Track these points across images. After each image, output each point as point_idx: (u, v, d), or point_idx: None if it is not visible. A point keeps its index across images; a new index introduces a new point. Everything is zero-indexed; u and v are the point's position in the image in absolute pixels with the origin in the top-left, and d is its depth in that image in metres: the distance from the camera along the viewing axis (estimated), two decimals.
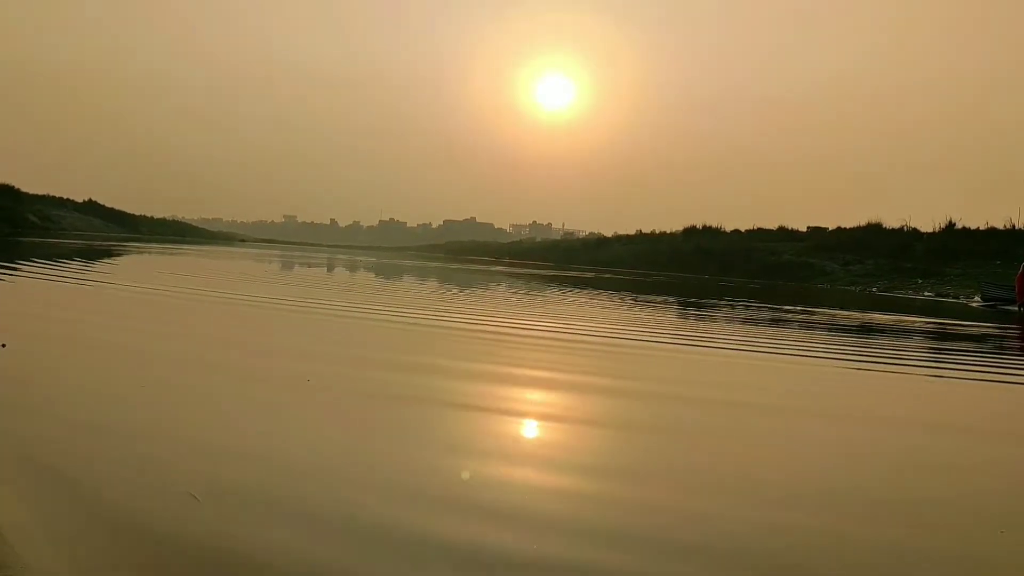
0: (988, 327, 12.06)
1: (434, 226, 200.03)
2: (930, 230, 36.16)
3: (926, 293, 26.26)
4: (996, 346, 9.11)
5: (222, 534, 1.82)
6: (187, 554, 1.71)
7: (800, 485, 2.64)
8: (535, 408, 3.67)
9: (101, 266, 13.28)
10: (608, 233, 62.50)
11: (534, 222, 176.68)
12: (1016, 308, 17.95)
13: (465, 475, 2.34)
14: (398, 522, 1.97)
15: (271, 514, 1.97)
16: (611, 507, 2.24)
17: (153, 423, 2.79)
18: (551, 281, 20.20)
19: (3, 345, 3.94)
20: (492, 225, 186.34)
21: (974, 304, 20.69)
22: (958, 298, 23.67)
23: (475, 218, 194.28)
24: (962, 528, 2.29)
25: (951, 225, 35.52)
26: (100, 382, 3.56)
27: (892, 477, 2.81)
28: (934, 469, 2.98)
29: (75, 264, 12.74)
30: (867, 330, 10.12)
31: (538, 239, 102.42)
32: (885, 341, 8.70)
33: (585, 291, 15.97)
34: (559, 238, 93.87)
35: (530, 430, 3.18)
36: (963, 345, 8.76)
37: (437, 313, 8.19)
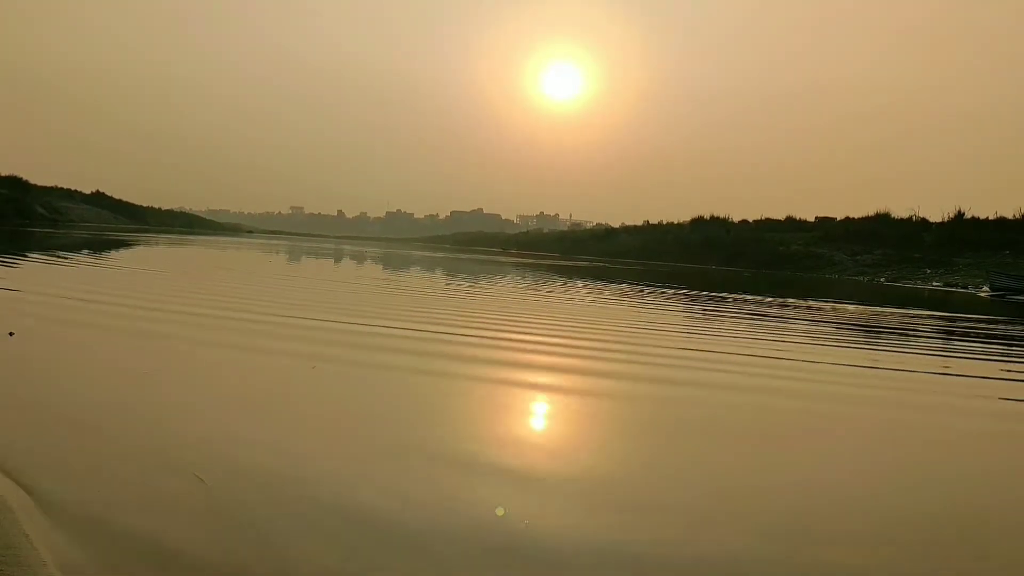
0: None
1: (441, 217, 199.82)
2: (939, 220, 35.91)
3: (934, 283, 26.10)
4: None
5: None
6: (193, 536, 1.73)
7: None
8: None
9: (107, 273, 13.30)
10: (615, 224, 62.51)
11: (541, 213, 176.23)
12: None
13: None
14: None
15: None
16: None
17: None
18: (567, 272, 20.15)
19: (11, 334, 3.97)
20: (499, 216, 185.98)
21: (983, 294, 20.54)
22: (967, 288, 23.52)
23: (482, 209, 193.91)
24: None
25: (960, 215, 35.20)
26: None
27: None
28: None
29: (89, 262, 12.78)
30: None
31: (545, 230, 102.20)
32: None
33: (616, 285, 15.91)
34: (566, 229, 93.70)
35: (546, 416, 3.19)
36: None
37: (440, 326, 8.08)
